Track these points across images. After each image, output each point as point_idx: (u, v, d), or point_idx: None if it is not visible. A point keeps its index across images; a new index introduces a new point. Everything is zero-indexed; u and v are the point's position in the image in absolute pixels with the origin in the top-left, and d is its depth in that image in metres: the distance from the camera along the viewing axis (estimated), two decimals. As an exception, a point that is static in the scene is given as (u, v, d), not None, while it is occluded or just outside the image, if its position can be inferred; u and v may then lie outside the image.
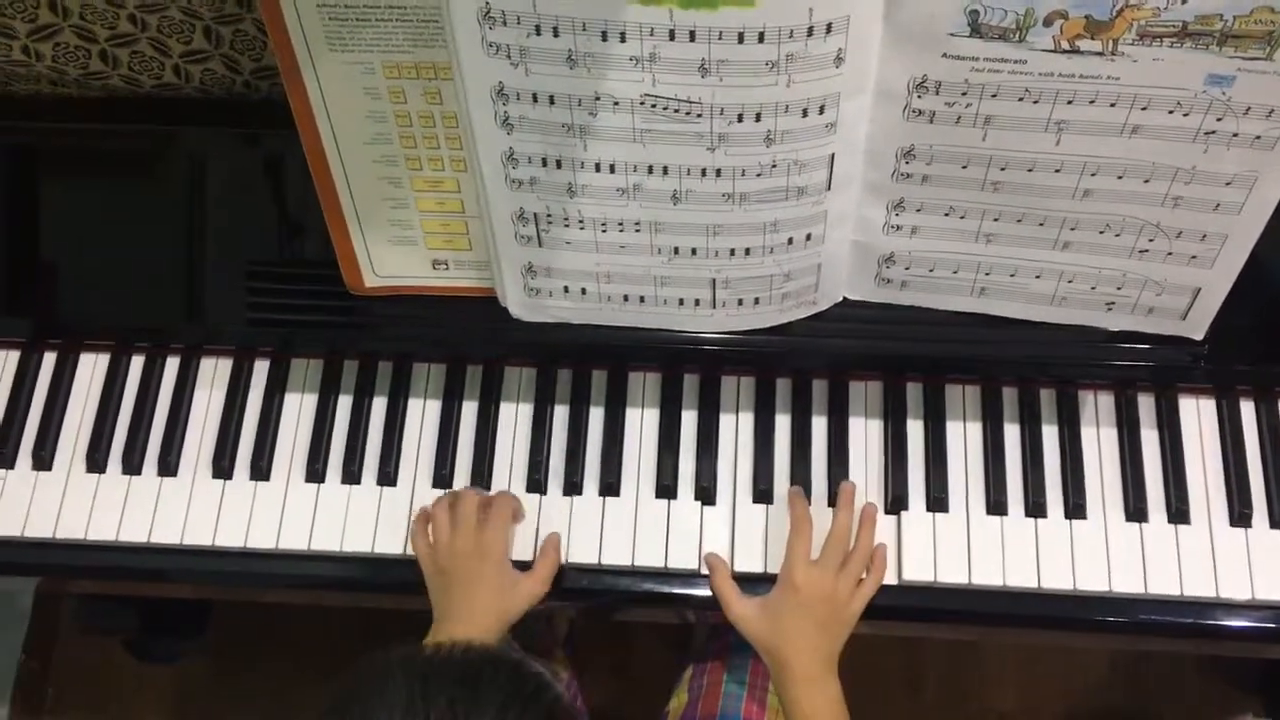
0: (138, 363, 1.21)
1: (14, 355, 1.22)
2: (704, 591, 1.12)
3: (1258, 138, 0.88)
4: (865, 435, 1.16)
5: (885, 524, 1.11)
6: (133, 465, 1.17)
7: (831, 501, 1.13)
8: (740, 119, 0.90)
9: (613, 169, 0.96)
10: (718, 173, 0.94)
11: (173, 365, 1.21)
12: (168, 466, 1.17)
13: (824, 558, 1.06)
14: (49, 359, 1.22)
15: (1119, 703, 1.85)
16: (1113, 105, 0.88)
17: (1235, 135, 0.89)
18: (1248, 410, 1.16)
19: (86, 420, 1.19)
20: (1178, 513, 1.12)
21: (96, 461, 1.17)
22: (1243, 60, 0.83)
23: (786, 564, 1.06)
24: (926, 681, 1.85)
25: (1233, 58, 0.83)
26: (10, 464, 1.18)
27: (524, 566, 1.10)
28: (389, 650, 0.76)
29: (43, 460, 1.17)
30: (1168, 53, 0.84)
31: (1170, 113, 0.88)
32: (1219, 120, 0.88)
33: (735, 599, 1.08)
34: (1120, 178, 0.94)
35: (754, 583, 1.11)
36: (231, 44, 1.12)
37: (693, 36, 0.85)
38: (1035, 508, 1.12)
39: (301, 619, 1.87)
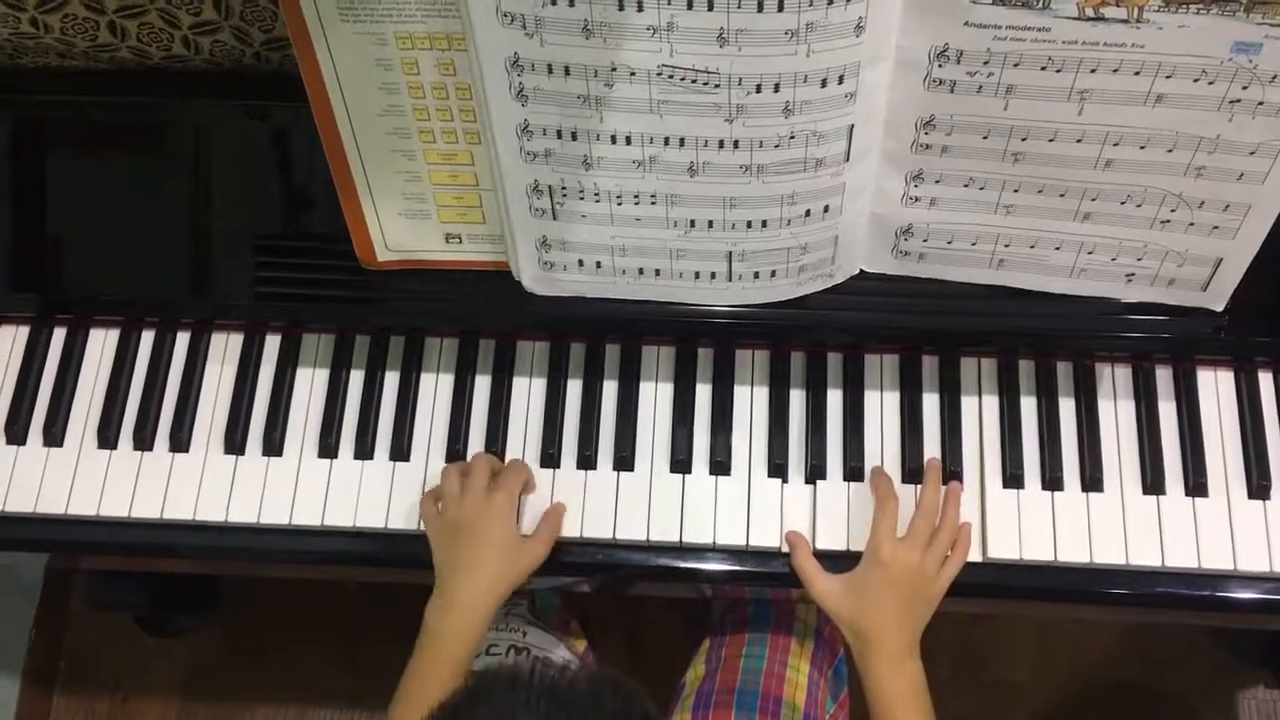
0: (148, 338, 1.21)
1: (24, 331, 1.21)
2: (718, 566, 1.12)
3: (1284, 106, 0.87)
4: (881, 408, 1.16)
5: (903, 495, 1.10)
6: (144, 441, 1.17)
7: (849, 476, 1.13)
8: (759, 89, 0.89)
9: (629, 141, 0.95)
10: (735, 144, 0.93)
11: (183, 340, 1.21)
12: (179, 442, 1.16)
13: (911, 534, 1.06)
14: (59, 335, 1.21)
15: (1130, 674, 1.85)
16: (1137, 74, 0.87)
17: (1261, 104, 0.88)
18: (1266, 382, 1.15)
19: (97, 396, 1.19)
20: (1195, 485, 1.11)
21: (108, 438, 1.17)
22: (1270, 27, 0.82)
23: (873, 540, 1.05)
24: (939, 654, 1.84)
25: (1260, 24, 0.82)
26: (21, 440, 1.17)
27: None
28: (497, 669, 0.76)
29: (54, 437, 1.17)
30: (1194, 19, 0.83)
31: (1195, 81, 0.87)
32: (1245, 89, 0.87)
33: (818, 575, 1.07)
34: (1143, 148, 0.93)
35: (769, 558, 1.11)
36: (241, 15, 1.11)
37: (711, 5, 0.83)
38: (1052, 481, 1.12)
39: (313, 592, 1.87)
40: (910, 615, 1.04)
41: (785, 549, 1.10)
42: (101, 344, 1.21)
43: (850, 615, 1.05)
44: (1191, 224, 0.98)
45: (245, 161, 1.18)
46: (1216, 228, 0.98)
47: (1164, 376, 1.15)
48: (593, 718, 0.72)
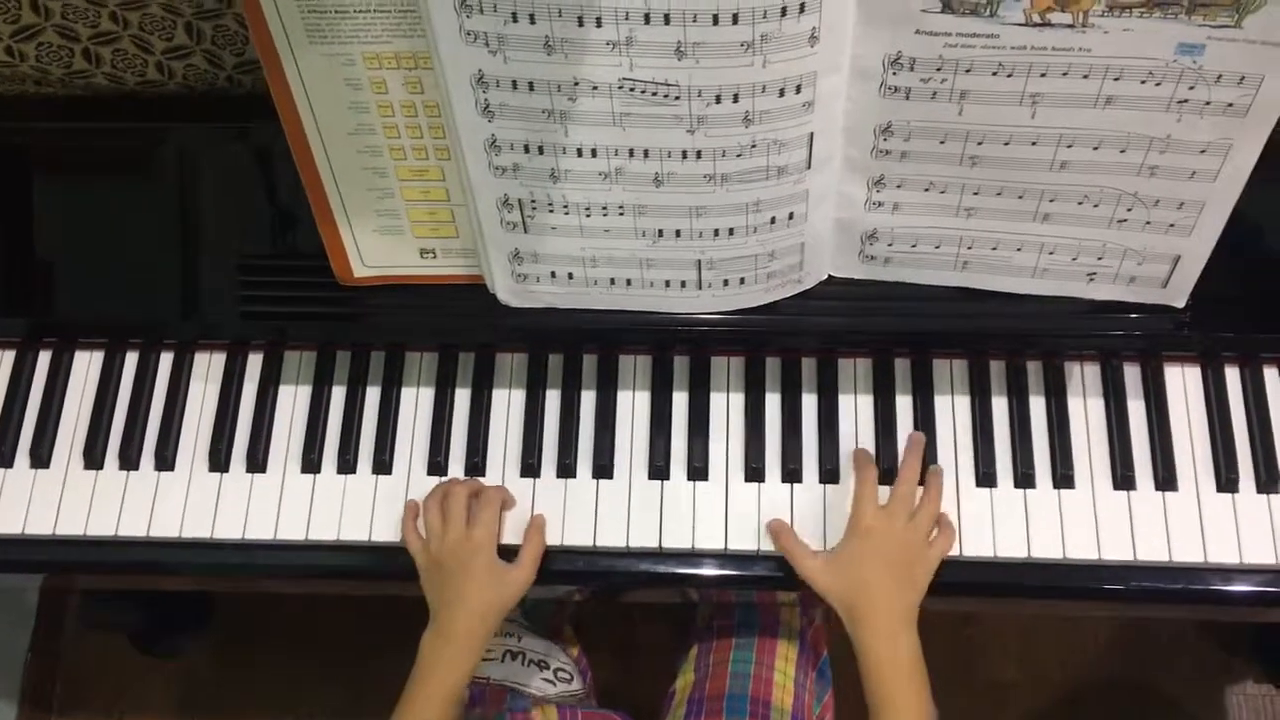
0: (132, 359, 1.22)
1: (9, 355, 1.23)
2: (700, 571, 1.13)
3: (1230, 105, 0.89)
4: (855, 411, 1.17)
5: (880, 498, 1.12)
6: (130, 460, 1.18)
7: (824, 478, 1.14)
8: (718, 100, 0.91)
9: (594, 153, 0.96)
10: (698, 154, 0.95)
11: (167, 360, 1.22)
12: (165, 461, 1.18)
13: (893, 501, 1.06)
14: (44, 357, 1.23)
15: (1119, 671, 1.86)
16: (1085, 77, 0.89)
17: (1208, 103, 0.89)
18: (1233, 377, 1.17)
19: (83, 417, 1.20)
20: (1165, 480, 1.13)
21: (94, 458, 1.18)
22: (1212, 28, 0.84)
23: (855, 510, 1.05)
24: (928, 656, 1.85)
25: (1202, 26, 0.84)
26: (9, 463, 1.19)
27: (516, 550, 1.11)
28: None
29: (40, 458, 1.19)
30: (1137, 23, 0.85)
31: (1143, 83, 0.89)
32: (1191, 89, 0.89)
33: (805, 555, 1.06)
34: (1096, 148, 0.94)
35: (749, 561, 1.13)
36: (213, 39, 1.13)
37: (668, 19, 0.85)
38: (1024, 478, 1.13)
39: (304, 608, 1.89)
40: (902, 586, 1.03)
41: (765, 550, 1.11)
42: (86, 366, 1.22)
43: (840, 590, 1.04)
44: (1148, 222, 1.00)
45: (222, 182, 1.19)
46: (1173, 225, 0.99)
47: (1132, 374, 1.17)
48: None
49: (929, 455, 1.14)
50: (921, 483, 1.11)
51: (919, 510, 1.07)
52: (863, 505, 1.05)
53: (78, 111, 1.21)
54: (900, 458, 1.13)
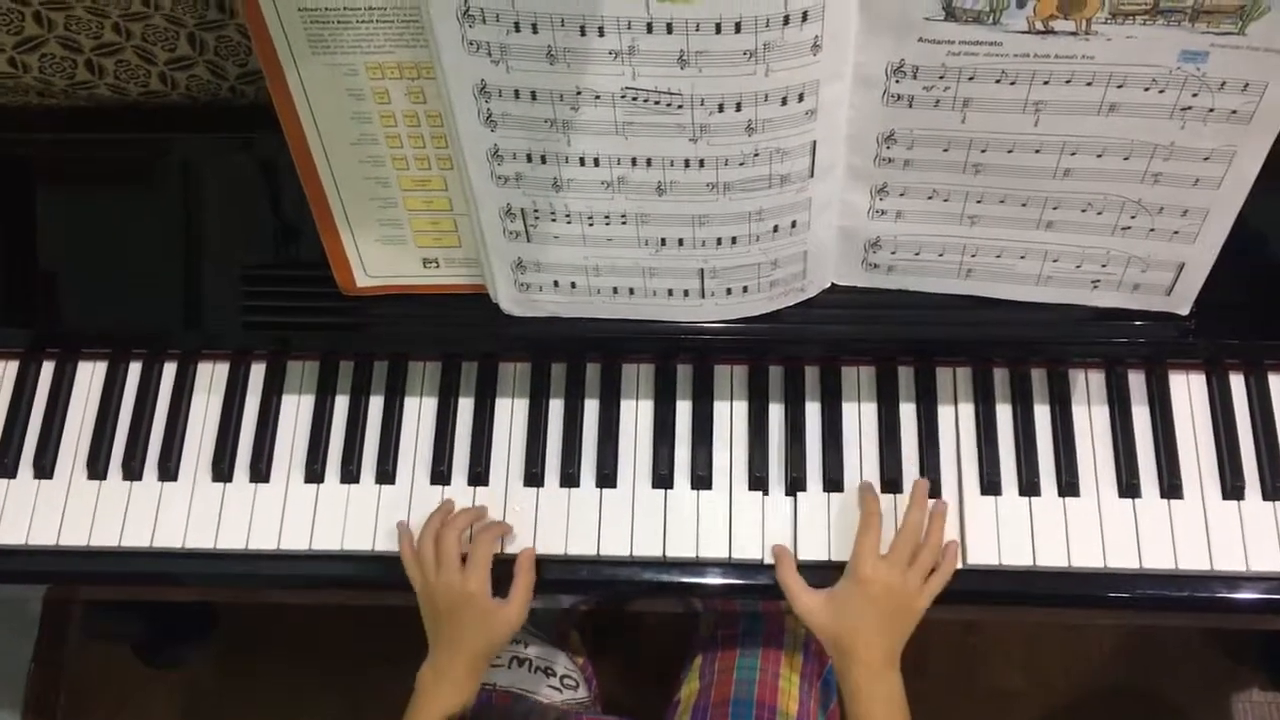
0: (135, 369, 1.23)
1: (13, 365, 1.23)
2: (703, 580, 1.13)
3: (1233, 112, 0.89)
4: (859, 419, 1.17)
5: (882, 505, 1.12)
6: (133, 471, 1.18)
7: (828, 487, 1.14)
8: (721, 109, 0.91)
9: (597, 162, 0.96)
10: (701, 163, 0.95)
11: (170, 371, 1.22)
12: (168, 471, 1.18)
13: (894, 552, 1.07)
14: (47, 368, 1.23)
15: (1124, 679, 1.86)
16: (1089, 84, 0.89)
17: (1211, 110, 0.89)
18: (1238, 384, 1.16)
19: (86, 428, 1.21)
20: (1170, 487, 1.12)
21: (97, 469, 1.18)
22: (1215, 35, 0.84)
23: (855, 557, 1.07)
24: (932, 664, 1.86)
25: (1205, 33, 0.84)
26: (12, 473, 1.19)
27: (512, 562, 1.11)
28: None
29: (44, 469, 1.19)
30: (1141, 30, 0.85)
31: (1146, 90, 0.89)
32: (1194, 96, 0.89)
33: (801, 591, 1.08)
34: (1100, 156, 0.94)
35: (753, 570, 1.12)
36: (216, 50, 1.13)
37: (670, 29, 0.85)
38: (1029, 487, 1.13)
39: (306, 618, 1.89)
40: (890, 629, 1.05)
41: (769, 560, 1.11)
42: (90, 376, 1.23)
43: (832, 631, 1.06)
44: (1152, 230, 1.00)
45: (225, 193, 1.19)
46: (1177, 233, 0.99)
47: (1137, 381, 1.17)
48: None
49: (934, 463, 1.14)
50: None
51: (919, 555, 1.07)
52: (863, 554, 1.06)
53: (81, 122, 1.22)
54: (912, 482, 1.13)
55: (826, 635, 1.06)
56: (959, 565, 1.10)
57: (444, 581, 1.08)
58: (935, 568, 1.08)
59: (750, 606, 1.33)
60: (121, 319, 1.21)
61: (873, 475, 1.14)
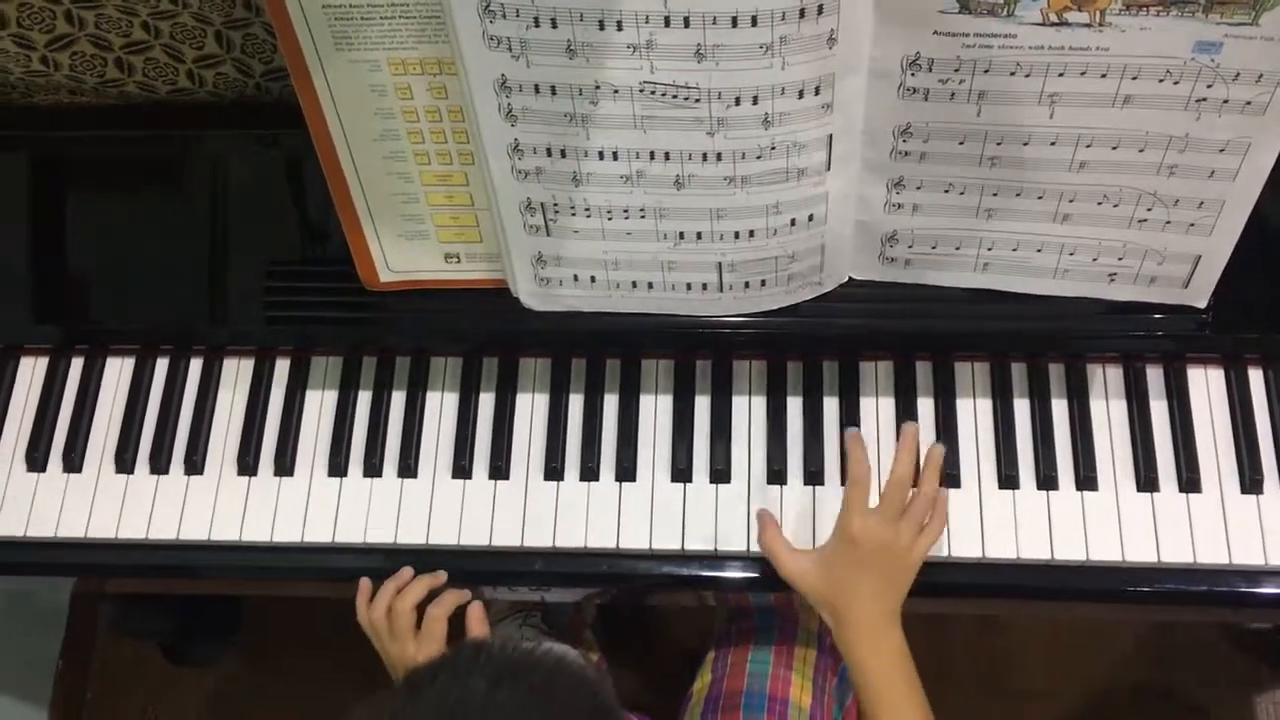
0: (162, 365, 1.24)
1: (43, 361, 1.25)
2: (723, 573, 1.14)
3: (1248, 103, 0.89)
4: (876, 413, 1.17)
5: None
6: (160, 465, 1.20)
7: (845, 480, 1.14)
8: (738, 102, 0.92)
9: (615, 156, 0.98)
10: (718, 156, 0.96)
11: (196, 367, 1.24)
12: (194, 465, 1.20)
13: (884, 505, 1.02)
14: (77, 364, 1.25)
15: (1146, 680, 1.85)
16: (1103, 76, 0.89)
17: (1226, 101, 0.90)
18: (1256, 378, 1.16)
19: (114, 422, 1.22)
20: (1188, 482, 1.12)
21: (125, 462, 1.20)
22: (1229, 26, 0.85)
23: (843, 514, 1.02)
24: (952, 664, 1.85)
25: (1219, 24, 0.85)
26: (41, 467, 1.21)
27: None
28: (475, 644, 0.78)
29: (73, 463, 1.20)
30: (1154, 21, 0.85)
31: (1160, 81, 0.89)
32: (1209, 87, 0.89)
33: (786, 554, 1.05)
34: (1115, 148, 0.95)
35: (772, 565, 1.13)
36: (242, 48, 1.15)
37: (687, 22, 0.86)
38: (1047, 480, 1.13)
39: (332, 616, 1.89)
40: (887, 589, 1.02)
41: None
42: (118, 372, 1.24)
43: (823, 594, 1.02)
44: (1168, 222, 1.00)
45: (251, 190, 1.21)
46: (1193, 225, 1.00)
47: (1154, 375, 1.17)
48: (544, 688, 0.73)
49: (951, 459, 1.14)
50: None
51: (911, 505, 1.03)
52: (851, 509, 1.02)
53: (110, 120, 1.24)
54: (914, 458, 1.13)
55: (819, 599, 1.03)
56: (977, 556, 1.10)
57: (396, 653, 1.09)
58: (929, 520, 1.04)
59: (765, 601, 1.33)
60: (148, 315, 1.23)
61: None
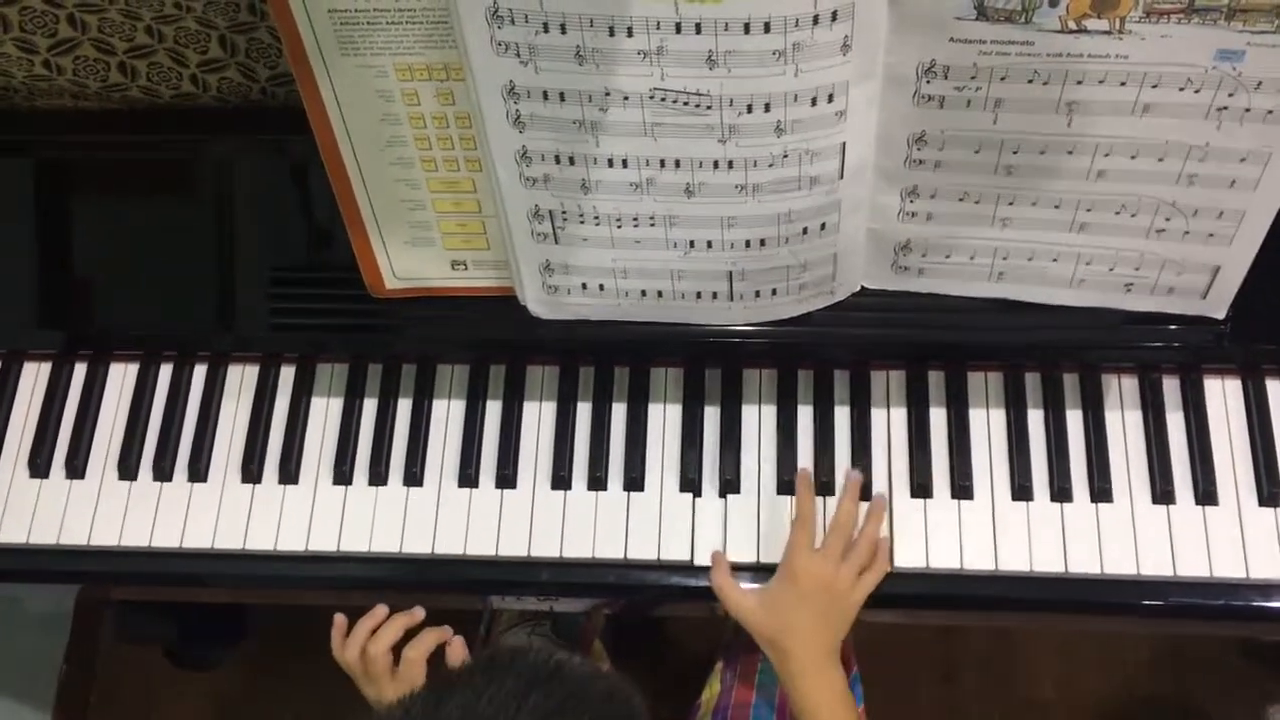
0: (166, 372, 1.23)
1: (46, 367, 1.24)
2: (731, 584, 1.13)
3: (1270, 112, 0.88)
4: (888, 424, 1.16)
5: (910, 510, 1.11)
6: (164, 472, 1.19)
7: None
8: (750, 110, 0.90)
9: (625, 164, 0.96)
10: (730, 164, 0.95)
11: (200, 373, 1.23)
12: (198, 473, 1.19)
13: (826, 546, 1.05)
14: (80, 370, 1.24)
15: (1157, 691, 1.84)
16: (1123, 84, 0.88)
17: (1248, 110, 0.88)
18: (1274, 389, 1.15)
19: (118, 429, 1.21)
20: (1205, 494, 1.11)
21: (128, 469, 1.19)
22: (1252, 34, 0.83)
23: (787, 553, 1.05)
24: (963, 673, 1.84)
25: (1241, 32, 0.83)
26: (44, 473, 1.20)
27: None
28: (511, 649, 0.77)
29: (76, 469, 1.19)
30: (1175, 29, 0.84)
31: (1181, 90, 0.88)
32: (1230, 96, 0.87)
33: (733, 591, 1.07)
34: (1134, 157, 0.93)
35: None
36: (247, 52, 1.14)
37: (699, 29, 0.85)
38: (1061, 492, 1.12)
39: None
40: (825, 627, 1.04)
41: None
42: (121, 378, 1.23)
43: (766, 630, 1.04)
44: (1187, 232, 0.98)
45: (255, 195, 1.20)
46: (1212, 235, 0.98)
47: (1171, 386, 1.15)
48: (579, 694, 0.73)
49: (965, 468, 1.13)
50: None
51: (853, 550, 1.05)
52: (795, 549, 1.04)
53: (113, 125, 1.23)
54: (933, 479, 1.12)
55: (762, 634, 1.05)
56: (990, 569, 1.09)
57: (372, 696, 1.08)
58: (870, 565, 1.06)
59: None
60: (152, 321, 1.22)
61: (902, 480, 1.13)
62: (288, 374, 1.22)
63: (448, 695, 0.71)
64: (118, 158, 1.23)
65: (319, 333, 1.20)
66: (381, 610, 1.11)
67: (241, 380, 1.22)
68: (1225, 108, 0.88)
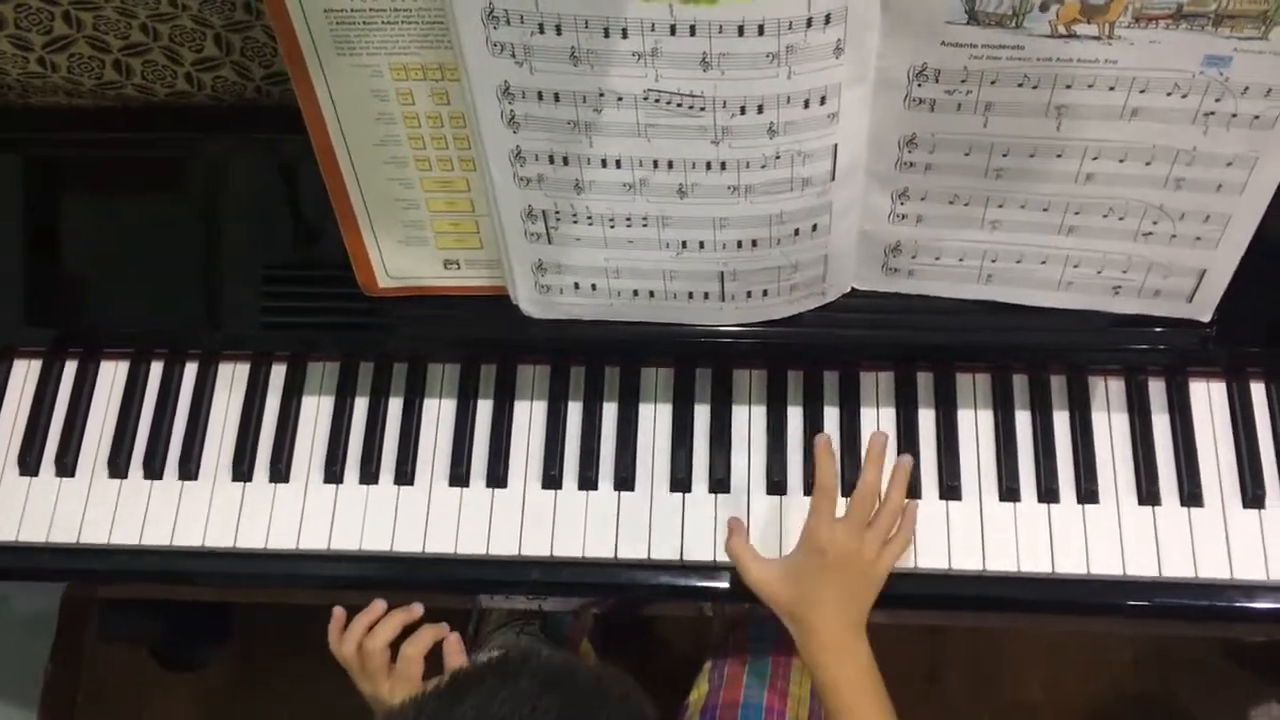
0: (157, 369, 1.23)
1: (36, 365, 1.23)
2: (721, 584, 1.13)
3: (1256, 117, 0.89)
4: (877, 424, 1.17)
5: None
6: (154, 470, 1.19)
7: (846, 491, 1.13)
8: (743, 111, 0.91)
9: (619, 164, 0.97)
10: (722, 165, 0.96)
11: (191, 371, 1.23)
12: (188, 471, 1.18)
13: (850, 515, 1.01)
14: (70, 367, 1.23)
15: (1143, 692, 1.85)
16: (1111, 89, 0.89)
17: (1234, 115, 0.89)
18: (1258, 392, 1.16)
19: (108, 427, 1.21)
20: (1190, 495, 1.12)
21: (118, 467, 1.19)
22: (1239, 40, 0.84)
23: (810, 522, 1.01)
24: (949, 673, 1.85)
25: (1229, 38, 0.84)
26: (34, 471, 1.19)
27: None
28: (524, 650, 0.77)
29: (66, 467, 1.19)
30: (1164, 34, 0.85)
31: (1169, 95, 0.89)
32: (1217, 101, 0.89)
33: (752, 560, 1.04)
34: (1122, 161, 0.94)
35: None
36: (242, 51, 1.14)
37: (693, 31, 0.86)
38: (1048, 493, 1.13)
39: (324, 622, 1.88)
40: (852, 600, 1.01)
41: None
42: (112, 376, 1.23)
43: (787, 602, 1.01)
44: (1174, 235, 0.99)
45: (248, 194, 1.20)
46: (1199, 239, 0.99)
47: (1157, 389, 1.16)
48: (592, 696, 0.73)
49: (953, 469, 1.14)
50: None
51: (877, 518, 1.02)
52: (818, 519, 1.01)
53: (107, 122, 1.22)
54: (922, 478, 1.13)
55: (782, 607, 1.02)
56: (978, 569, 1.10)
57: (369, 692, 1.08)
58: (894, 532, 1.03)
59: (764, 613, 1.32)
60: (143, 319, 1.22)
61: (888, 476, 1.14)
62: (279, 372, 1.22)
63: (461, 695, 0.70)
64: (111, 155, 1.23)
65: (310, 331, 1.20)
66: (379, 606, 1.11)
67: (233, 378, 1.22)
68: (1212, 113, 0.90)
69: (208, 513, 1.17)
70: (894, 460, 1.07)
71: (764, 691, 1.24)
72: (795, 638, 1.02)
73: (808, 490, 1.14)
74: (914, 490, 1.13)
